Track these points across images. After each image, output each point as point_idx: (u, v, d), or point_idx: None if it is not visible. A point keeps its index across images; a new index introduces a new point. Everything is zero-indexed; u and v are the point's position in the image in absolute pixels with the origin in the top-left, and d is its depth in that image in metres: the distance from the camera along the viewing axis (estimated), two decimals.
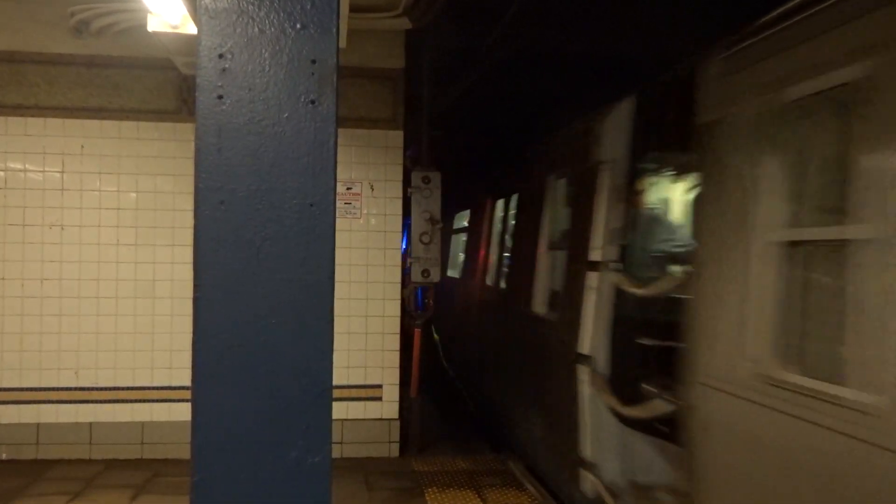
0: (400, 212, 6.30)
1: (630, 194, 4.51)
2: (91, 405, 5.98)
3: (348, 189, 6.18)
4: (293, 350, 1.75)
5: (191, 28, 4.46)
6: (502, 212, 7.93)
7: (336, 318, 1.81)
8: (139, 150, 6.05)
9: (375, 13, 5.57)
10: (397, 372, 6.29)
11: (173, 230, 6.04)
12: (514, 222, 7.29)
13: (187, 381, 1.74)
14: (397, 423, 6.30)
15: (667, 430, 3.86)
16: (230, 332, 1.74)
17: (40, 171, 5.96)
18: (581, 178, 5.04)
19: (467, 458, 6.37)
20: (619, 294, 4.39)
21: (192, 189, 1.75)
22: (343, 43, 4.79)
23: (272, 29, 1.73)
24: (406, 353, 6.53)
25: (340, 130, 1.83)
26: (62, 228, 5.96)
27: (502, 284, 7.47)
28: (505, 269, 7.40)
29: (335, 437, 5.98)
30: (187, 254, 5.98)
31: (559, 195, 5.77)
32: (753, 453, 2.93)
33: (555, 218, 5.82)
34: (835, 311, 2.58)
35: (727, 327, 3.12)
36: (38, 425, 5.94)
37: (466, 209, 10.36)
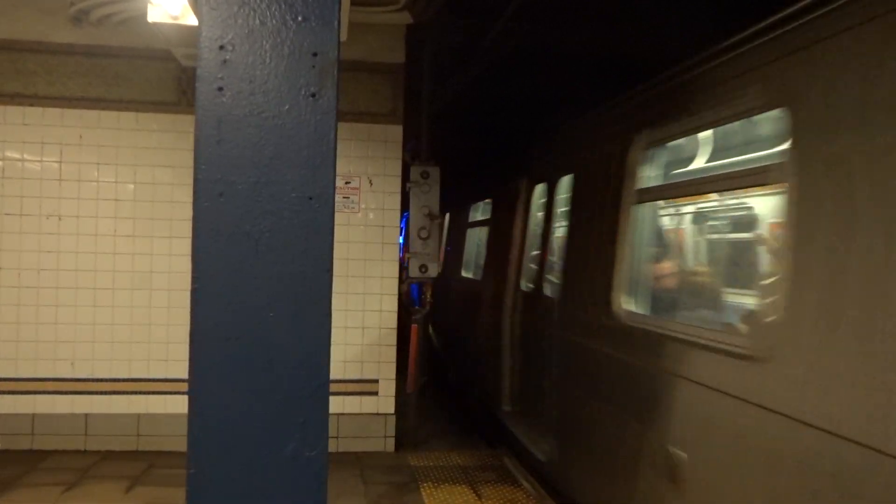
0: (398, 207, 6.29)
1: None
2: (87, 396, 5.97)
3: (347, 183, 6.16)
4: (291, 343, 1.75)
5: (191, 19, 4.44)
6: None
7: (333, 312, 1.81)
8: (138, 141, 6.03)
9: (377, 7, 5.56)
10: (394, 367, 6.29)
11: (171, 222, 6.02)
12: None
13: (184, 374, 1.74)
14: (393, 418, 6.30)
15: None
16: (227, 325, 1.73)
17: (38, 161, 5.94)
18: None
19: (463, 454, 6.37)
20: None
21: (190, 181, 1.74)
22: (344, 36, 4.78)
23: (273, 21, 1.73)
24: (403, 349, 6.53)
25: (339, 124, 1.82)
26: (59, 219, 5.94)
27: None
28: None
29: (331, 431, 5.95)
30: (185, 246, 5.97)
31: None
32: None
33: None
34: None
35: None
36: (33, 415, 5.93)
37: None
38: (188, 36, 4.73)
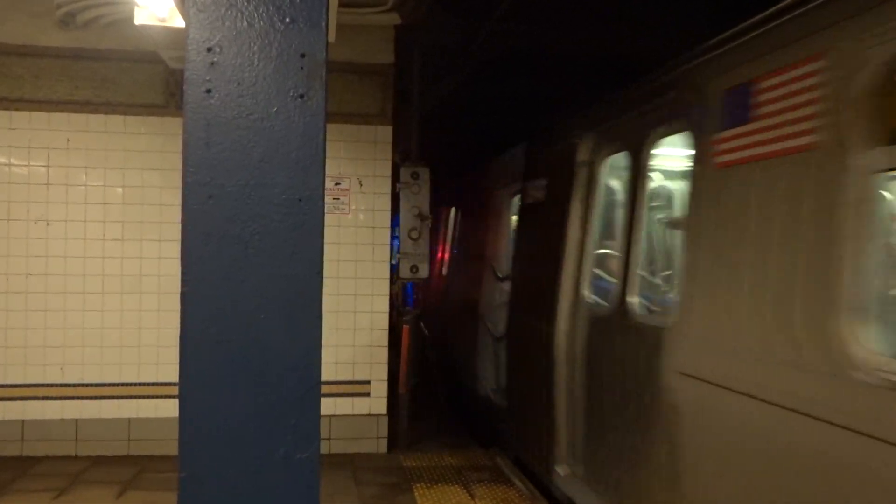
0: (389, 207, 6.28)
1: None
2: (77, 401, 5.93)
3: (337, 185, 6.16)
4: (282, 346, 1.74)
5: (178, 21, 4.42)
6: None
7: (324, 314, 1.81)
8: (126, 145, 6.00)
9: (365, 8, 5.55)
10: (385, 368, 6.28)
11: (160, 225, 6.00)
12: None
13: (174, 378, 1.73)
14: (385, 419, 6.30)
15: None
16: (218, 328, 1.73)
17: (25, 166, 5.90)
18: None
19: (455, 454, 6.38)
20: None
21: (179, 184, 1.73)
22: (332, 37, 4.77)
23: (261, 22, 1.72)
24: (394, 350, 6.53)
25: (329, 125, 1.82)
26: (47, 223, 5.90)
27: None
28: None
29: (323, 433, 5.97)
30: (174, 249, 5.93)
31: None
32: None
33: None
34: None
35: None
36: (22, 422, 5.89)
37: None
38: (176, 38, 4.72)
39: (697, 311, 3.34)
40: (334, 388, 6.09)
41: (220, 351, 1.73)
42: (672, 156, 4.33)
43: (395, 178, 6.35)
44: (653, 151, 4.16)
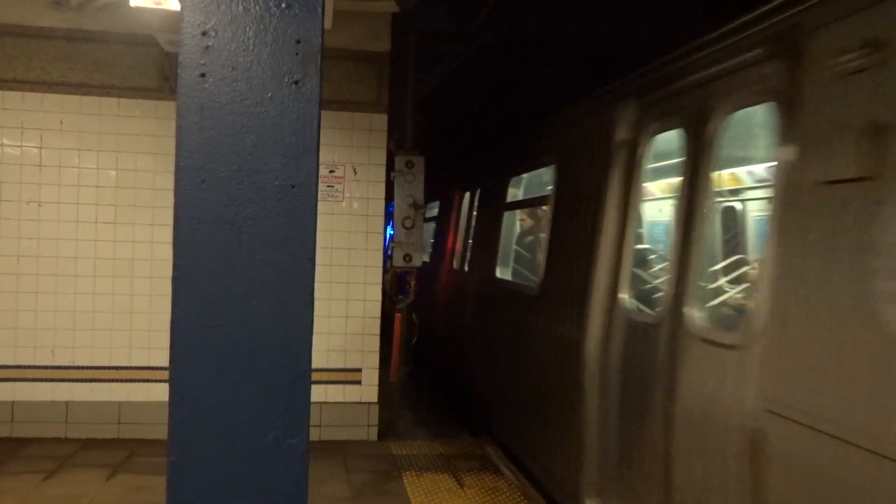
0: (383, 196, 6.28)
1: None
2: (67, 384, 5.93)
3: (331, 172, 6.14)
4: (273, 332, 1.75)
5: (174, 4, 4.39)
6: None
7: (317, 302, 1.81)
8: (120, 128, 5.97)
9: None
10: (377, 356, 6.29)
11: (153, 209, 5.98)
12: None
13: (165, 362, 1.73)
14: (376, 407, 6.31)
15: None
16: (209, 313, 1.73)
17: (18, 147, 5.86)
18: None
19: (445, 443, 6.40)
20: None
21: (172, 168, 1.73)
22: (328, 24, 4.73)
23: (257, 7, 1.72)
24: (386, 338, 6.54)
25: (324, 112, 1.82)
26: (40, 205, 5.88)
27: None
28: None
29: (314, 420, 5.98)
30: (167, 233, 5.90)
31: None
32: None
33: None
34: None
35: None
36: (12, 403, 5.88)
37: None
38: (171, 21, 4.68)
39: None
40: (325, 376, 6.10)
41: (211, 336, 1.73)
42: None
43: (390, 166, 6.33)
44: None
